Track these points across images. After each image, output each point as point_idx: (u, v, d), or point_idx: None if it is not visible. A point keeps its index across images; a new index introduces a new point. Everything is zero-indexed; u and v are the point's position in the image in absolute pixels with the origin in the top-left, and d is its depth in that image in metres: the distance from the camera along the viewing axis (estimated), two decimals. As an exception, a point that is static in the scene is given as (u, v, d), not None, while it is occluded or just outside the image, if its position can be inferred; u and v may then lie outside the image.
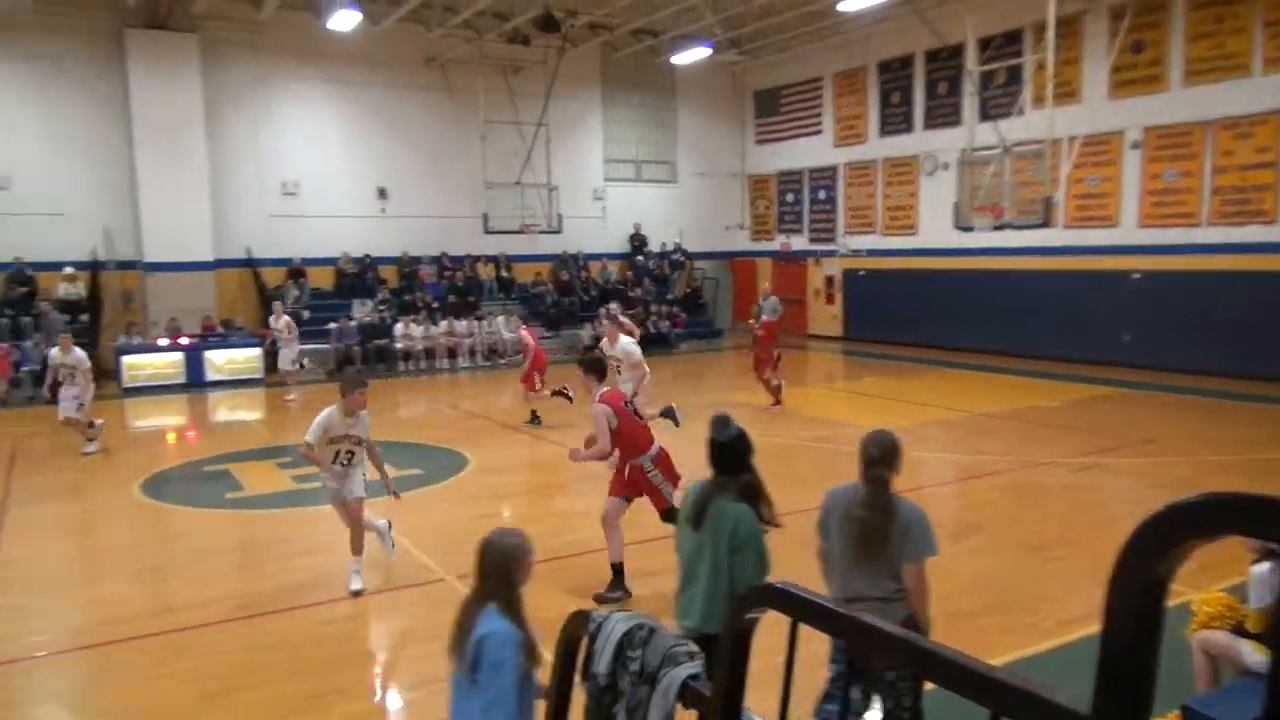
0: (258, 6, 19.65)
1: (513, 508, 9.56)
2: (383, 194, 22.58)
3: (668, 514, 6.64)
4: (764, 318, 15.33)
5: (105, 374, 18.21)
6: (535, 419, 13.62)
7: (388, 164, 22.53)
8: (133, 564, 7.67)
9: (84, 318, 18.63)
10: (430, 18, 20.58)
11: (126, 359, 17.65)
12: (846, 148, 24.54)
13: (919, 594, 3.93)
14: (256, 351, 18.76)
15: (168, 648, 5.97)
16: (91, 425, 12.43)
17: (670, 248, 26.56)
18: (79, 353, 12.34)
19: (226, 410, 16.59)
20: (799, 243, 26.32)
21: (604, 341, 11.94)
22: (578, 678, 2.58)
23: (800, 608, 1.85)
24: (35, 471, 11.38)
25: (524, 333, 15.08)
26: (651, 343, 23.05)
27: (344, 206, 22.05)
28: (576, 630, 3.03)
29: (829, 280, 25.41)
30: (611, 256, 25.78)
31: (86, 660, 5.86)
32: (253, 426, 15.09)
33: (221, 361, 18.46)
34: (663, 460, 6.73)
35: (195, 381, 17.93)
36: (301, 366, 17.26)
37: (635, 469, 6.69)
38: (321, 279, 21.65)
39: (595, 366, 7.06)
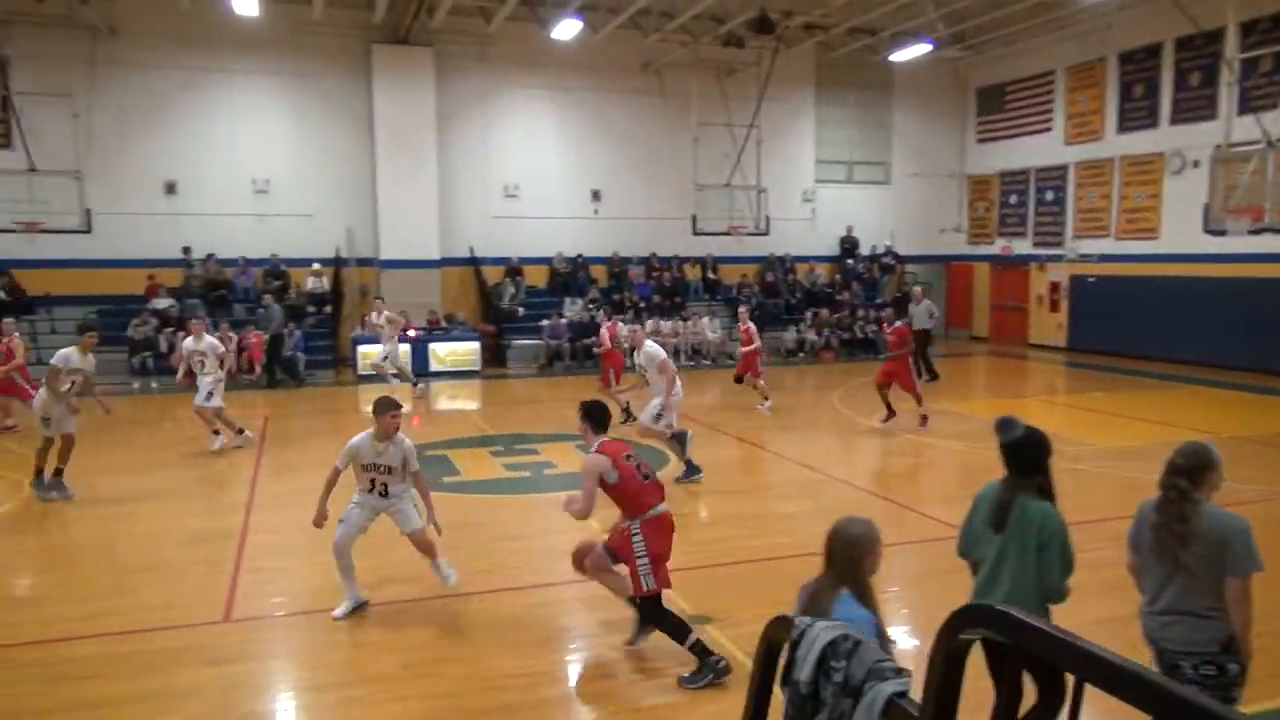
0: (488, 20, 20.75)
1: (710, 507, 9.55)
2: (596, 196, 23.26)
3: (637, 601, 5.59)
4: (897, 324, 14.00)
5: (342, 361, 19.88)
6: (628, 416, 13.48)
7: (601, 167, 23.20)
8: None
9: (327, 309, 20.37)
10: (647, 23, 20.99)
11: (361, 348, 19.11)
12: (1079, 145, 22.89)
13: (1238, 612, 3.60)
14: (475, 345, 19.81)
15: (383, 617, 6.37)
16: (240, 432, 12.26)
17: (880, 251, 25.76)
18: (210, 340, 12.24)
19: (446, 399, 17.60)
20: (1021, 247, 24.82)
21: (636, 351, 11.30)
22: (777, 684, 2.50)
23: (1019, 632, 1.69)
24: (282, 447, 12.52)
25: (605, 332, 14.98)
26: (857, 347, 22.46)
27: (559, 208, 22.90)
28: (778, 635, 2.95)
29: (1053, 287, 23.80)
30: (819, 259, 25.32)
31: (314, 623, 6.35)
32: (470, 416, 15.93)
33: (444, 353, 19.63)
34: (656, 528, 5.54)
35: (419, 371, 19.15)
36: (386, 361, 17.03)
37: (621, 531, 5.63)
38: (536, 277, 22.60)
39: (592, 414, 5.92)
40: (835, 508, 9.27)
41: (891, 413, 13.19)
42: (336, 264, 21.23)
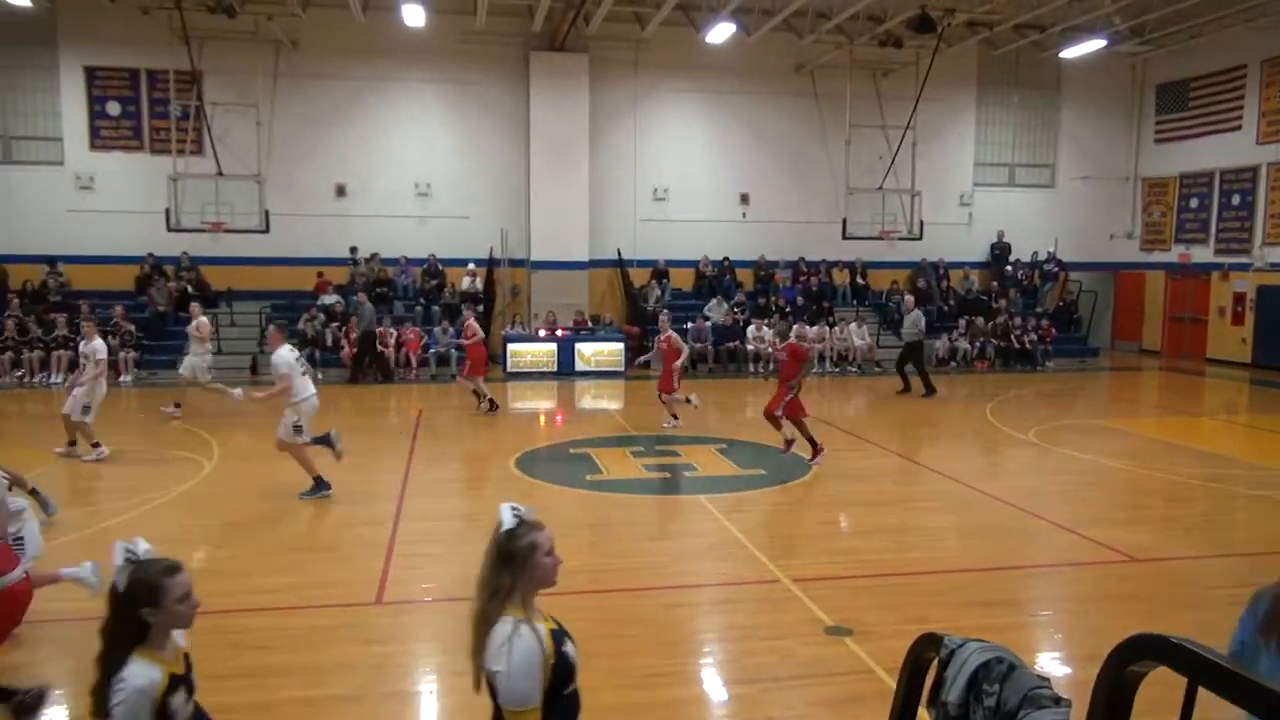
0: (642, 25, 20.99)
1: (852, 518, 9.32)
2: (744, 199, 23.15)
3: None
4: (791, 339, 11.80)
5: (493, 358, 20.51)
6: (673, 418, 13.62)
7: (750, 170, 23.07)
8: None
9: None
10: (801, 25, 20.73)
11: (511, 346, 19.69)
12: (1273, 145, 21.12)
13: None
14: (620, 346, 20.06)
15: (529, 609, 6.51)
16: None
17: (1042, 257, 24.51)
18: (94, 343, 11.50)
19: (591, 398, 17.90)
20: (1201, 254, 23.11)
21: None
22: (922, 705, 2.40)
23: (1199, 668, 1.56)
24: (435, 439, 13.04)
25: (662, 339, 14.42)
26: (1015, 359, 21.47)
27: (707, 211, 22.92)
28: (926, 653, 2.83)
29: (1237, 298, 22.04)
30: (975, 265, 24.33)
31: (459, 609, 6.52)
32: (613, 415, 16.14)
33: (590, 353, 19.97)
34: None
35: (565, 370, 19.56)
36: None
37: None
38: (682, 280, 22.69)
39: None
40: (982, 523, 8.90)
41: (789, 444, 11.36)
42: (490, 264, 21.94)
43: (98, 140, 20.63)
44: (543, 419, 16.20)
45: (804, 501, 9.83)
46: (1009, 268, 24.04)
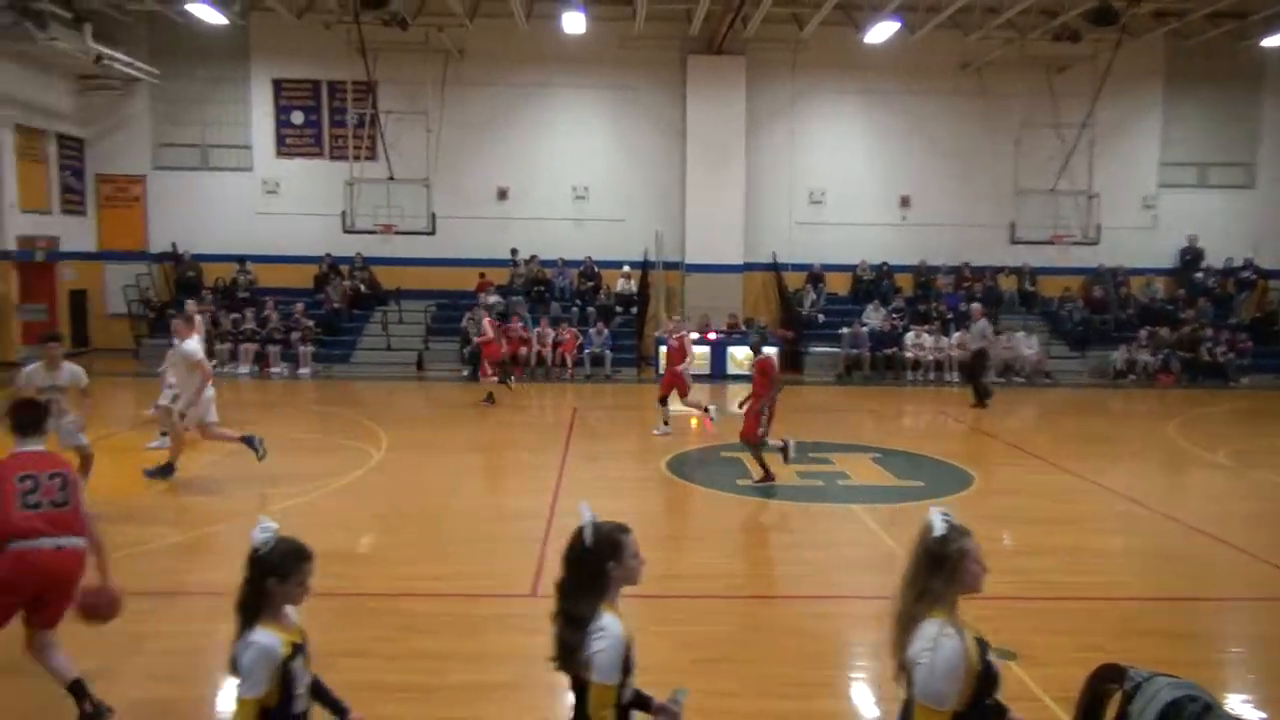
0: (800, 26, 20.71)
1: (1015, 535, 8.86)
2: (905, 202, 22.48)
3: None
4: (764, 352, 11.01)
5: (645, 360, 20.71)
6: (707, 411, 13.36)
7: (911, 172, 22.38)
8: (651, 528, 8.53)
9: (633, 310, 21.33)
10: (969, 21, 19.93)
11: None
12: None
13: None
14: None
15: (669, 609, 6.51)
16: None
17: (1238, 263, 22.59)
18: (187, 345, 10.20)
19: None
20: None
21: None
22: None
23: None
24: (589, 438, 13.26)
25: (674, 338, 13.81)
26: (1203, 373, 19.92)
27: (865, 214, 22.38)
28: (1107, 684, 2.65)
29: None
30: (1159, 271, 22.70)
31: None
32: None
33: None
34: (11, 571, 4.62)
35: (718, 373, 19.51)
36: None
37: None
38: (838, 284, 22.24)
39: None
40: (1164, 548, 8.29)
41: (767, 474, 10.15)
42: (644, 266, 22.16)
43: (283, 147, 22.11)
44: (694, 422, 16.22)
45: (964, 516, 9.27)
46: (1199, 275, 22.29)
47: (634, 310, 21.38)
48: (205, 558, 7.27)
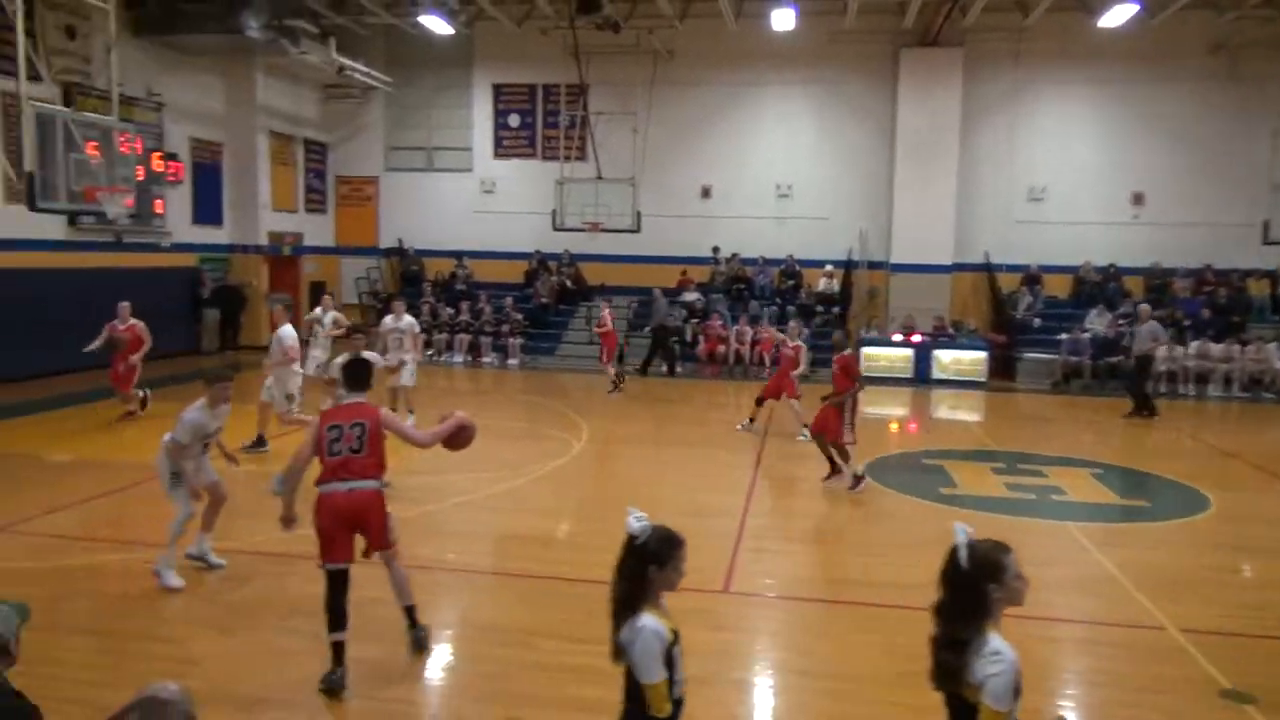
0: (1025, 13, 19.57)
1: (1261, 567, 7.97)
2: (1137, 199, 20.78)
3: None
4: (846, 350, 10.42)
5: (846, 362, 20.22)
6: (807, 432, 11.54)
7: (1145, 166, 20.64)
8: (849, 535, 8.34)
9: (834, 310, 20.89)
10: (1223, 0, 18.12)
11: (865, 349, 19.26)
12: None
13: None
14: (983, 355, 18.88)
15: (868, 618, 6.32)
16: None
17: None
18: (409, 319, 11.80)
19: (948, 409, 17.03)
20: None
21: None
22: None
23: None
24: (785, 438, 13.10)
25: (790, 346, 12.70)
26: None
27: (1091, 212, 20.86)
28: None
29: None
30: None
31: (802, 610, 6.53)
32: (971, 428, 15.24)
33: (948, 360, 19.02)
34: (321, 509, 5.32)
35: (921, 377, 18.78)
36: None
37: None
38: (1056, 286, 20.85)
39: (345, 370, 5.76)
40: None
41: (835, 469, 9.88)
42: (847, 266, 21.66)
43: (500, 149, 23.28)
44: (895, 426, 15.70)
45: (1198, 542, 8.58)
46: None
47: (835, 310, 20.94)
48: (419, 535, 7.75)
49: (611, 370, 16.57)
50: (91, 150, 12.18)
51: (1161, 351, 16.60)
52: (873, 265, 21.72)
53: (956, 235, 20.89)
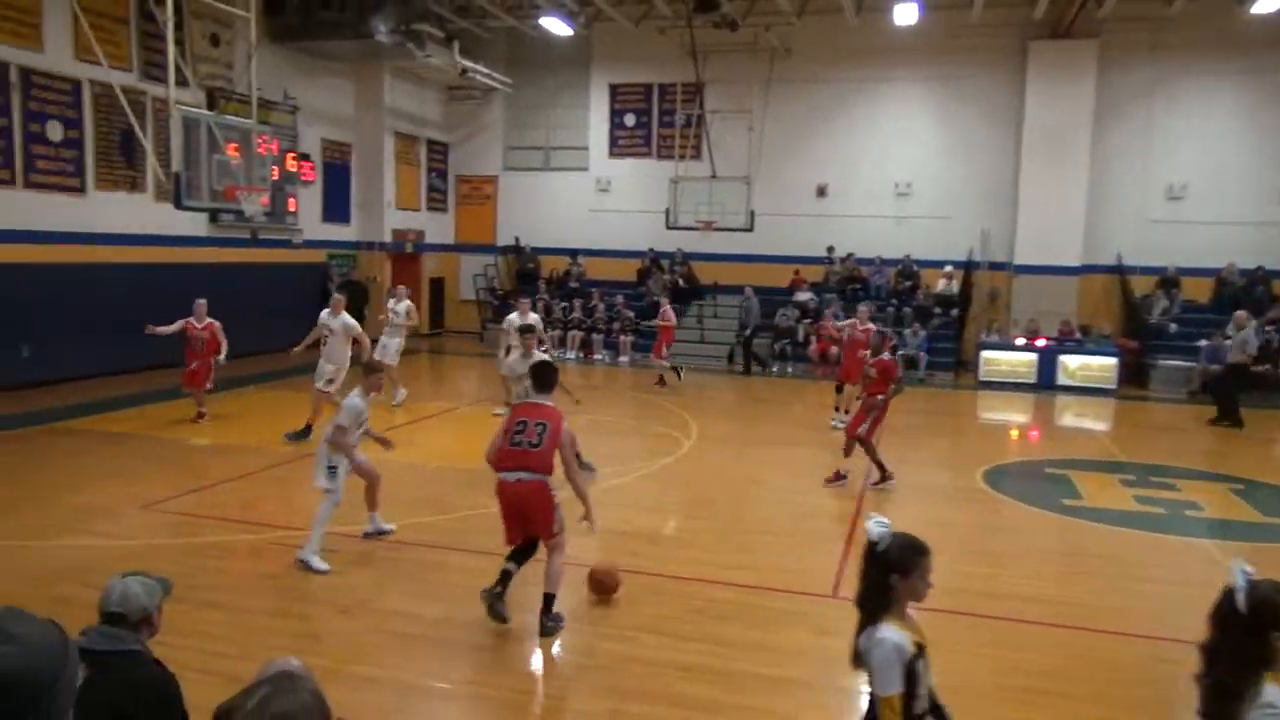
0: (1168, 1, 18.55)
1: None
2: (1290, 197, 19.45)
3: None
4: (884, 355, 10.20)
5: (963, 365, 19.63)
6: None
7: (1299, 162, 19.30)
8: (965, 543, 8.07)
9: (953, 312, 20.28)
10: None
11: (985, 353, 18.65)
12: None
13: None
14: (1113, 361, 18.00)
15: (985, 630, 6.11)
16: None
17: None
18: (535, 316, 12.35)
19: (1073, 416, 16.32)
20: None
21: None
22: None
23: None
24: (897, 442, 12.78)
25: (861, 329, 12.24)
26: None
27: (1237, 211, 19.60)
28: None
29: None
30: None
31: (921, 617, 6.32)
32: (1098, 437, 14.55)
33: (1075, 366, 18.20)
34: (498, 495, 5.88)
35: (1045, 383, 18.04)
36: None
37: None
38: (1196, 290, 19.67)
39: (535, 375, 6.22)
40: None
41: (885, 473, 9.76)
42: (967, 266, 20.99)
43: (615, 148, 23.49)
44: (1015, 433, 15.15)
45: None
46: None
47: (954, 312, 20.33)
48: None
49: (665, 364, 16.56)
50: (232, 151, 12.85)
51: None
52: (994, 266, 20.97)
53: (1086, 235, 19.98)
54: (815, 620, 6.14)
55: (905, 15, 18.37)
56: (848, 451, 9.88)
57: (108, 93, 14.31)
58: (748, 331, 19.80)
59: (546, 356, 9.76)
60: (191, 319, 11.79)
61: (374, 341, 12.85)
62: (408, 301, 14.04)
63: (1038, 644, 5.94)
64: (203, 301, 11.92)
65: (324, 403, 11.12)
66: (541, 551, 5.88)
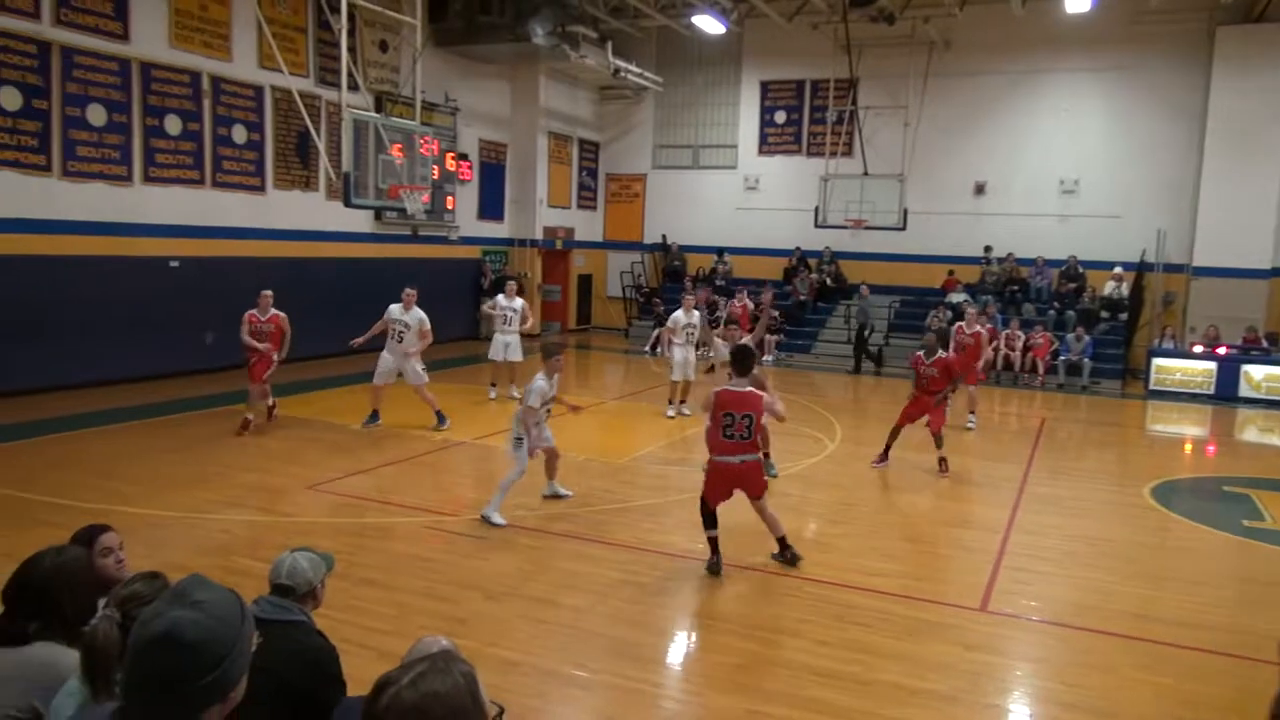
0: (1379, -23, 16.89)
1: None
2: None
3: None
4: (940, 353, 10.56)
5: (1133, 374, 18.46)
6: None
7: None
8: (1128, 563, 7.60)
9: (1121, 316, 19.10)
10: None
11: (1157, 361, 17.46)
12: None
13: None
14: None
15: (1147, 655, 5.73)
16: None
17: None
18: (697, 313, 11.85)
19: (1257, 431, 15.10)
20: None
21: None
22: None
23: None
24: (1057, 452, 12.19)
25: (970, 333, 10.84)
26: None
27: None
28: None
29: None
30: None
31: (1067, 637, 6.02)
32: (1285, 455, 13.40)
33: (1260, 377, 16.81)
34: (714, 472, 6.96)
35: (1224, 395, 16.74)
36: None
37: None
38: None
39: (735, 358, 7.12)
40: None
41: (885, 455, 10.57)
42: (1140, 269, 19.72)
43: (764, 146, 23.31)
44: (1189, 446, 14.14)
45: None
46: None
47: (1122, 316, 19.14)
48: (671, 523, 7.94)
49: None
50: (396, 152, 13.45)
51: None
52: (1170, 268, 19.62)
53: (1278, 236, 18.42)
54: (962, 634, 5.91)
55: (1077, 3, 17.36)
56: (940, 445, 10.38)
57: (286, 98, 15.29)
58: (867, 331, 19.37)
59: (722, 348, 10.47)
60: (254, 311, 10.81)
61: (536, 338, 13.18)
62: (520, 299, 13.98)
63: (1204, 673, 5.53)
64: (268, 293, 10.88)
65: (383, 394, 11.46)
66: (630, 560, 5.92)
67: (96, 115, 13.10)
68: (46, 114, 12.47)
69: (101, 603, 2.75)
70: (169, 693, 1.76)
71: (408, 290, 11.47)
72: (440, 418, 11.31)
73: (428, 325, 11.36)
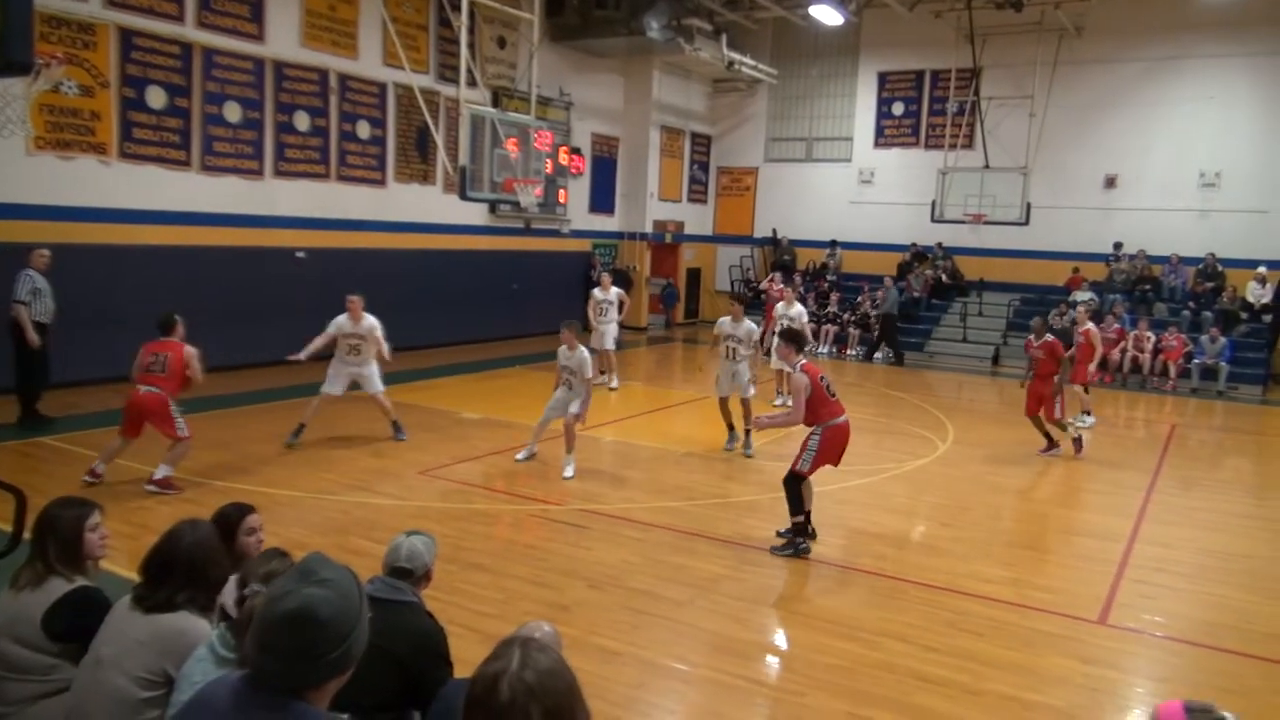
0: None
1: None
2: None
3: (789, 478, 7.04)
4: (1047, 337, 10.93)
5: (1276, 379, 17.35)
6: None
7: None
8: (1258, 578, 7.14)
9: (1265, 318, 17.94)
10: None
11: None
12: None
13: None
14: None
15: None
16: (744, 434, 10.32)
17: None
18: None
19: None
20: None
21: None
22: None
23: None
24: (1188, 460, 11.55)
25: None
26: None
27: None
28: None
29: None
30: None
31: (1195, 655, 5.71)
32: None
33: None
34: (833, 434, 7.05)
35: None
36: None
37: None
38: None
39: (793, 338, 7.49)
40: None
41: (1051, 443, 10.96)
42: (1287, 268, 18.50)
43: (880, 138, 22.80)
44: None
45: None
46: None
47: (1265, 318, 17.97)
48: (777, 519, 7.87)
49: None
50: (511, 146, 13.69)
51: None
52: (1326, 268, 18.32)
53: None
54: (1080, 647, 5.67)
55: (1221, -16, 16.38)
56: (1064, 429, 10.88)
57: (408, 94, 15.77)
58: (876, 313, 19.19)
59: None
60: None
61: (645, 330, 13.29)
62: (617, 289, 14.37)
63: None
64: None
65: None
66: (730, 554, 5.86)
67: (232, 112, 13.80)
68: (187, 112, 13.21)
69: (234, 578, 2.90)
70: (301, 664, 1.87)
71: (351, 297, 9.69)
72: (397, 428, 10.23)
73: (379, 331, 9.74)
